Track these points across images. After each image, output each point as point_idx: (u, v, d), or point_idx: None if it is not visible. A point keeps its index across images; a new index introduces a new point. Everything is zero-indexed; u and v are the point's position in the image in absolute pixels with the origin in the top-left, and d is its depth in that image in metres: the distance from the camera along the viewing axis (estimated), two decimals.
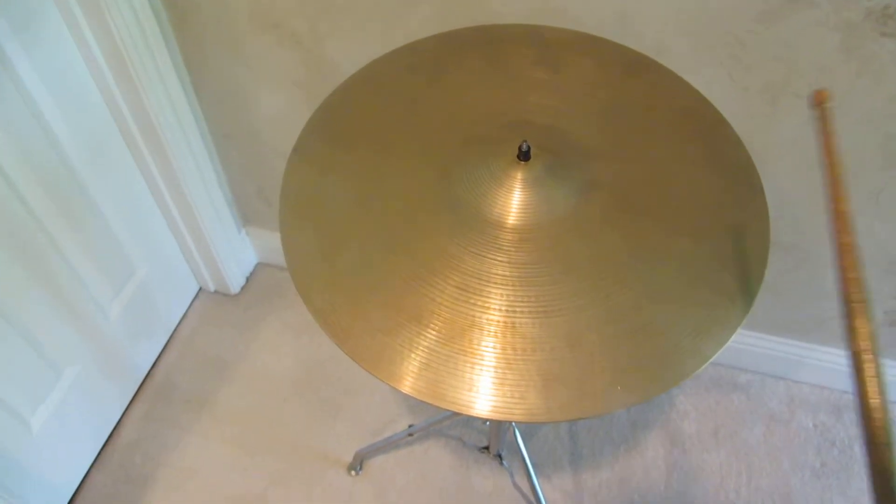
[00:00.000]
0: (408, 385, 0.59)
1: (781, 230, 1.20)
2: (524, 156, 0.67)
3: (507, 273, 0.65)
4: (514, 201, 0.68)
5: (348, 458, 1.40)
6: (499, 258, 0.65)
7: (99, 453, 1.42)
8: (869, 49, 0.90)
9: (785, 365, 1.49)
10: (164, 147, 1.27)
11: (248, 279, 1.71)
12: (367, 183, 0.72)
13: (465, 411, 0.58)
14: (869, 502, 1.34)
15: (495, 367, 0.60)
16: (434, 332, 0.62)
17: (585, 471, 1.40)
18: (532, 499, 1.26)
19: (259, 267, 1.74)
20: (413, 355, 0.61)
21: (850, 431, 1.45)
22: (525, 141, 0.67)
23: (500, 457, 1.29)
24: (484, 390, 0.59)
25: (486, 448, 1.28)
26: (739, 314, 0.64)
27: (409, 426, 1.29)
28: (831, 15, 0.88)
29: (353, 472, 1.38)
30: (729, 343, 0.63)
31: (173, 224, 1.47)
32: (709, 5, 0.91)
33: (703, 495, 1.37)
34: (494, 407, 0.58)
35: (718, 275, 0.65)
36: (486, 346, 0.61)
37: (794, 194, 1.12)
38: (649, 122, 0.76)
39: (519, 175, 0.68)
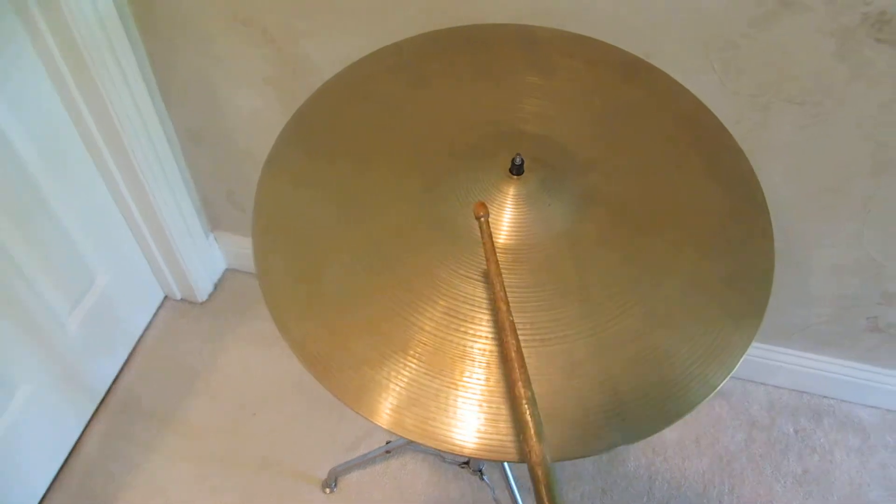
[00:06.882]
0: (394, 423, 0.54)
1: None
2: (517, 170, 0.63)
3: None
4: (505, 219, 0.63)
5: (322, 475, 1.35)
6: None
7: (57, 475, 1.34)
8: (864, 55, 0.87)
9: (765, 370, 1.48)
10: (127, 149, 1.19)
11: (216, 286, 1.64)
12: (347, 198, 0.66)
13: (457, 451, 0.53)
14: None
15: (489, 403, 0.55)
16: (422, 364, 0.57)
17: (567, 483, 1.37)
18: None
19: (228, 273, 1.67)
20: (399, 390, 0.56)
21: (830, 437, 1.44)
22: (518, 154, 0.62)
23: (480, 472, 1.24)
24: (477, 428, 0.54)
25: (466, 463, 1.24)
26: (747, 337, 0.60)
27: (387, 442, 1.24)
28: (827, 20, 0.85)
29: (327, 490, 1.33)
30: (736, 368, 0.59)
31: (137, 230, 1.39)
32: (702, 7, 0.87)
33: None
34: (489, 447, 0.53)
35: (723, 295, 0.61)
36: (479, 379, 0.56)
37: (783, 200, 1.10)
38: (647, 131, 0.72)
39: (511, 190, 0.63)
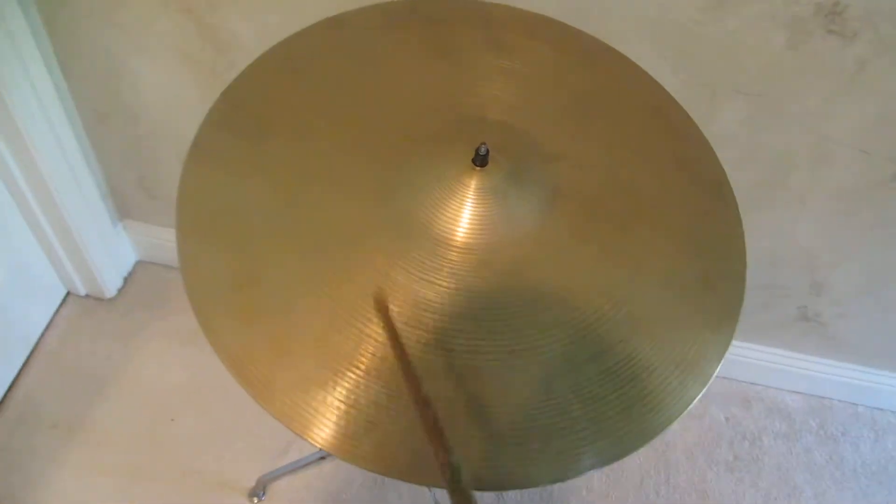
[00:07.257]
0: (349, 452, 0.48)
1: None
2: (481, 160, 0.56)
3: (465, 303, 0.54)
4: (467, 215, 0.57)
5: (250, 483, 1.26)
6: (453, 285, 0.54)
7: None
8: (814, 46, 0.86)
9: None
10: (19, 129, 1.06)
11: (126, 280, 1.50)
12: (288, 191, 0.58)
13: (428, 483, 0.47)
14: (779, 494, 1.37)
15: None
16: (380, 383, 0.50)
17: None
18: None
19: (139, 266, 1.53)
20: (354, 413, 0.49)
21: (758, 423, 1.48)
22: (483, 143, 0.56)
23: None
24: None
25: None
26: (723, 342, 0.57)
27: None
28: (781, 9, 0.83)
29: (255, 499, 1.24)
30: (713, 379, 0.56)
31: (32, 220, 1.25)
32: None
33: (625, 496, 1.35)
34: (462, 475, 0.47)
35: (700, 299, 0.58)
36: (447, 397, 0.50)
37: None
38: (613, 120, 0.67)
39: (474, 184, 0.57)
